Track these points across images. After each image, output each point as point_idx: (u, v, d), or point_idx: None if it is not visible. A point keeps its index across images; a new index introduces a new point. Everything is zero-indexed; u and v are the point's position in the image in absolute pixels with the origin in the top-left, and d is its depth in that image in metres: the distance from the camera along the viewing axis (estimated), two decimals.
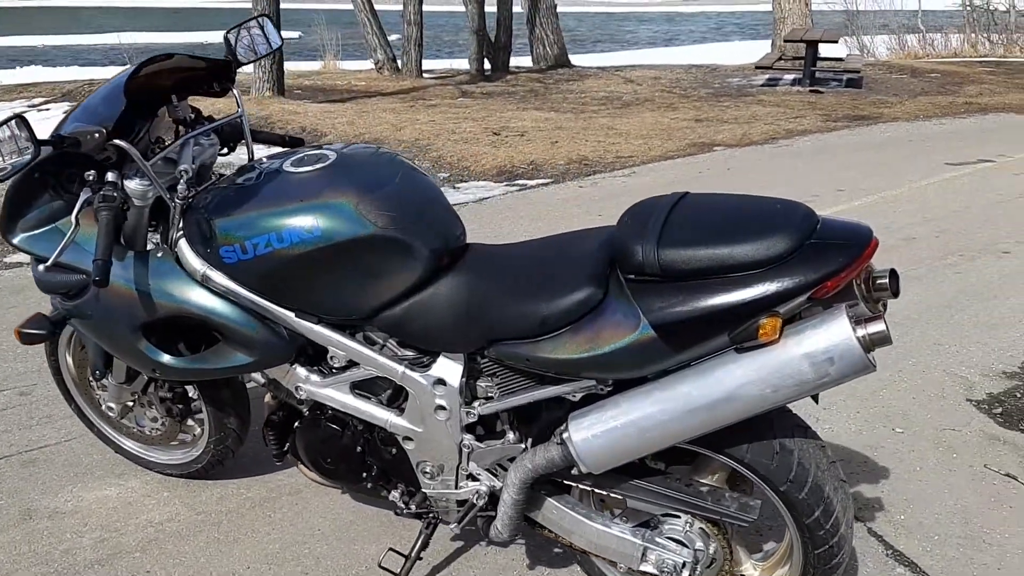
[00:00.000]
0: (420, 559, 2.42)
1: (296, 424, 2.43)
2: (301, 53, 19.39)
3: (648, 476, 2.14)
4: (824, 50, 12.92)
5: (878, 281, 1.89)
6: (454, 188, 7.06)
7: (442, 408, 2.18)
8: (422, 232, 2.10)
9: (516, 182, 7.20)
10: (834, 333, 1.78)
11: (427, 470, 2.29)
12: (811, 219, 1.86)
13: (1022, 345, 4.11)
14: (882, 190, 6.70)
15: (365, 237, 2.05)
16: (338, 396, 2.29)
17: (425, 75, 13.77)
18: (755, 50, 14.91)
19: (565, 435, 2.02)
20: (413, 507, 2.37)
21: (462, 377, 2.14)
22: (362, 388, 2.30)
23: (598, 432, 1.97)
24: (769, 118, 9.90)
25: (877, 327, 1.78)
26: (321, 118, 9.57)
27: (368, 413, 2.28)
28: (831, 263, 1.78)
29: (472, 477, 2.27)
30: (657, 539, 2.15)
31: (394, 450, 2.33)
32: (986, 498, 2.96)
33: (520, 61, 15.67)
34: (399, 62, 13.87)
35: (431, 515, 2.39)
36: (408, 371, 2.18)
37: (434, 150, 8.24)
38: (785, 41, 13.77)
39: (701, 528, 2.14)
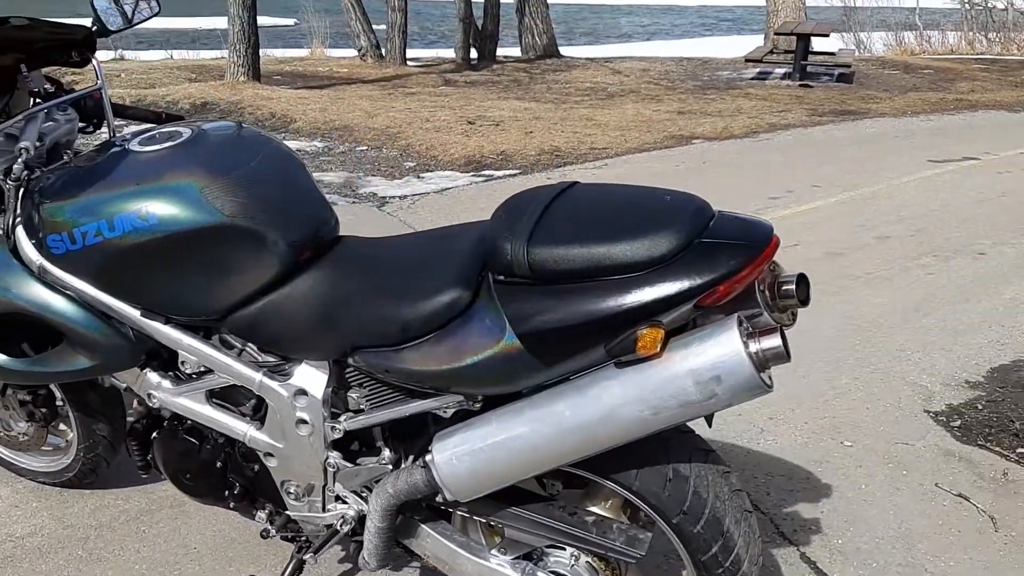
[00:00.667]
0: None
1: (154, 434, 2.19)
2: (291, 39, 19.11)
3: (530, 503, 1.90)
4: (816, 44, 12.65)
5: (784, 287, 1.65)
6: (418, 177, 6.81)
7: (304, 422, 1.93)
8: (280, 222, 1.85)
9: (483, 172, 6.94)
10: (722, 348, 1.54)
11: (291, 490, 2.05)
12: (703, 214, 1.61)
13: (989, 353, 3.86)
14: (860, 187, 6.45)
15: (211, 226, 1.79)
16: (193, 406, 2.04)
17: (410, 63, 13.49)
18: (752, 44, 14.62)
19: (428, 457, 1.77)
20: (277, 531, 2.13)
21: (327, 387, 1.89)
22: (220, 397, 2.05)
23: (463, 454, 1.73)
24: (754, 111, 9.64)
25: (771, 342, 1.53)
26: (294, 104, 9.31)
27: (225, 426, 2.03)
28: (721, 265, 1.53)
29: (340, 499, 2.03)
30: (539, 574, 1.90)
31: (256, 467, 2.09)
32: (933, 521, 2.72)
33: (509, 51, 15.40)
34: (383, 49, 13.59)
35: (303, 539, 2.15)
36: (266, 380, 1.93)
37: (404, 138, 7.98)
38: (776, 34, 13.49)
39: (588, 562, 1.89)
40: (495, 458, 1.70)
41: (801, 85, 11.59)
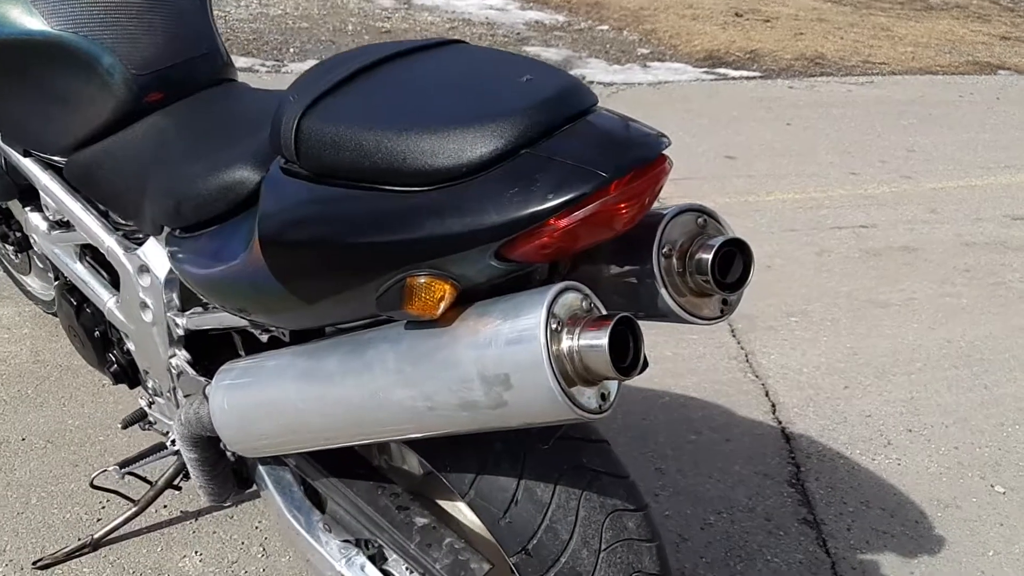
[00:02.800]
0: (174, 488, 1.84)
1: (55, 282, 1.92)
2: None
3: (362, 478, 1.41)
4: None
5: (697, 256, 0.99)
6: (643, 67, 6.10)
7: (146, 306, 1.55)
8: (125, 47, 1.43)
9: (717, 70, 6.09)
10: (520, 332, 0.93)
11: (149, 384, 1.70)
12: (558, 109, 0.97)
13: None
14: None
15: (36, 39, 1.42)
16: (65, 260, 1.73)
17: None
18: None
19: (208, 389, 1.32)
20: (143, 427, 1.80)
21: (170, 271, 1.48)
22: (93, 258, 1.72)
23: (234, 398, 1.26)
24: None
25: (592, 339, 0.90)
26: None
27: (92, 291, 1.70)
28: (543, 194, 0.91)
29: None
30: (364, 569, 1.42)
31: (125, 346, 1.75)
32: None
33: None
34: None
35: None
36: (115, 246, 1.56)
37: (652, 22, 7.22)
38: None
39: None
40: (260, 415, 1.22)
41: None
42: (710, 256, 0.98)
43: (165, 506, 1.96)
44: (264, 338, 1.34)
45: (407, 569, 1.36)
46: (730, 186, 4.24)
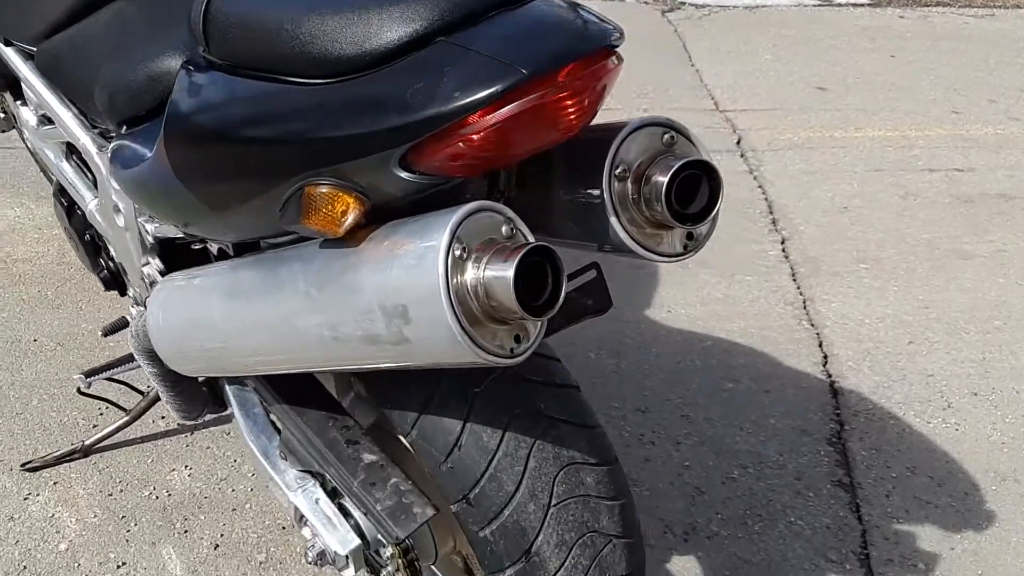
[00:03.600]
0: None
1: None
2: None
3: (317, 407, 1.31)
4: None
5: (653, 179, 0.84)
6: None
7: (119, 210, 1.47)
8: None
9: None
10: (420, 257, 0.79)
11: (130, 291, 1.63)
12: None
13: None
14: None
15: None
16: (52, 156, 1.66)
17: None
18: None
19: (149, 299, 1.24)
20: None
21: None
22: (79, 156, 1.65)
23: (168, 312, 1.17)
24: None
25: (497, 269, 0.76)
26: None
27: (77, 192, 1.63)
28: (452, 91, 0.76)
29: None
30: (319, 503, 1.33)
31: (111, 251, 1.69)
32: None
33: None
34: None
35: None
36: (90, 143, 1.47)
37: None
38: None
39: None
40: (189, 330, 1.13)
41: None
42: (666, 179, 0.82)
43: (163, 418, 1.93)
44: (214, 248, 1.24)
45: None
46: (816, 119, 3.94)
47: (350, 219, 0.83)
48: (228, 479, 1.80)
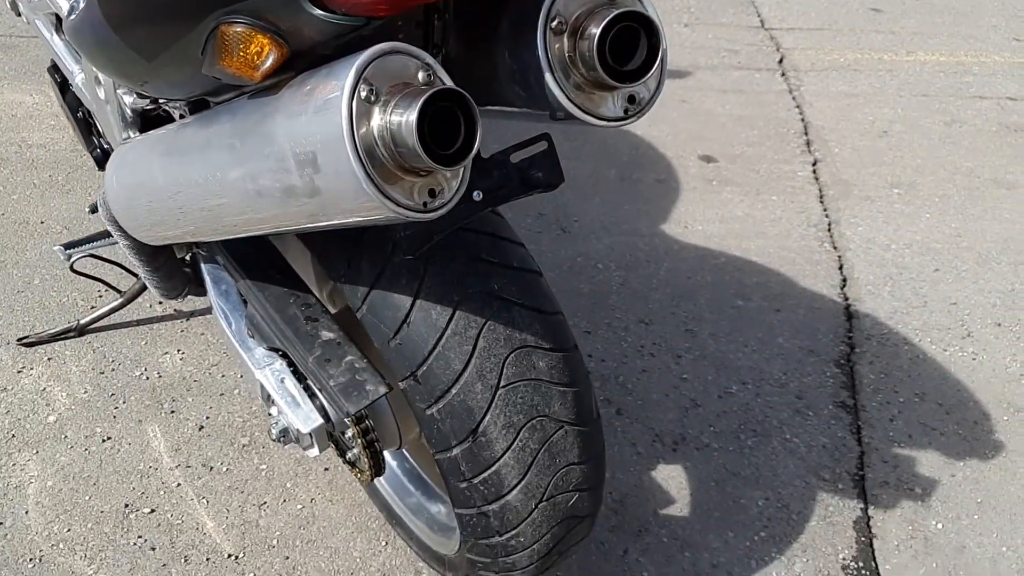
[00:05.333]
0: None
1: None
2: None
3: (281, 283, 1.29)
4: None
5: (587, 31, 0.78)
6: None
7: (99, 82, 1.45)
8: None
9: None
10: (326, 99, 0.75)
11: None
12: None
13: None
14: None
15: None
16: (43, 30, 1.64)
17: None
18: None
19: (107, 165, 1.22)
20: None
21: None
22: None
23: (122, 173, 1.15)
24: None
25: (401, 113, 0.71)
26: None
27: (65, 66, 1.62)
28: None
29: None
30: (284, 382, 1.32)
31: (101, 129, 1.68)
32: None
33: None
34: None
35: None
36: (64, 3, 1.45)
37: None
38: None
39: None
40: (136, 193, 1.11)
41: None
42: (599, 31, 0.76)
43: (160, 303, 1.94)
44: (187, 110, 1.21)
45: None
46: (866, 41, 3.77)
47: (267, 63, 0.79)
48: (219, 365, 1.80)
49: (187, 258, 1.49)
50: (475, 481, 1.07)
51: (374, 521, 1.55)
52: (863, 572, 1.57)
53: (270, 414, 1.31)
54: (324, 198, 0.76)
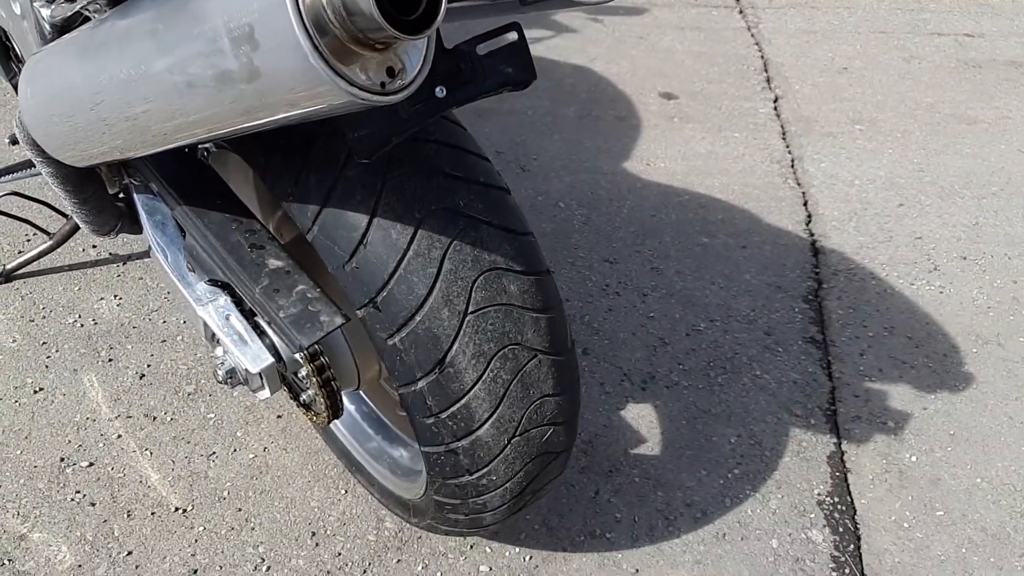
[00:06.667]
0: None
1: None
2: None
3: (231, 210, 1.18)
4: None
5: None
6: None
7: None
8: None
9: None
10: None
11: None
12: None
13: None
14: None
15: None
16: None
17: None
18: None
19: (19, 79, 1.09)
20: None
21: None
22: None
23: (37, 85, 1.02)
24: None
25: None
26: None
27: None
28: None
29: None
30: (230, 319, 1.21)
31: (17, 48, 1.53)
32: None
33: None
34: None
35: None
36: None
37: None
38: None
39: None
40: (55, 103, 0.99)
41: None
42: None
43: (94, 246, 1.81)
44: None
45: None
46: None
47: None
48: (160, 310, 1.69)
49: (120, 193, 1.37)
50: (443, 416, 0.98)
51: (331, 469, 1.46)
52: (839, 507, 1.53)
53: (215, 355, 1.21)
54: (264, 82, 0.66)
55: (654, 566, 1.40)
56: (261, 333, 1.14)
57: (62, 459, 1.41)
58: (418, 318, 0.94)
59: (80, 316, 1.65)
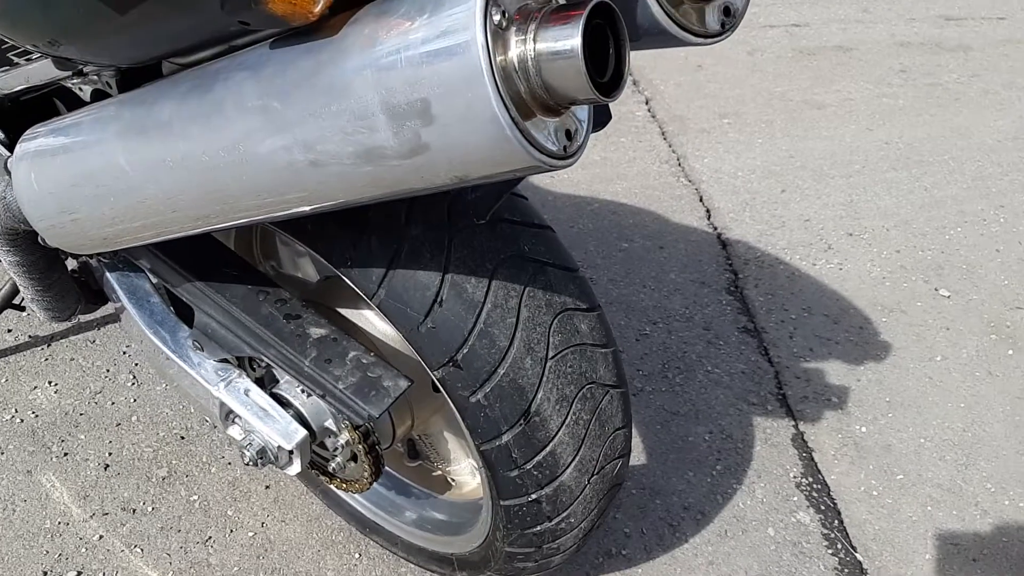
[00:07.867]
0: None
1: None
2: None
3: (246, 281, 1.10)
4: None
5: None
6: None
7: None
8: None
9: None
10: (444, 32, 0.61)
11: None
12: None
13: None
14: None
15: None
16: None
17: None
18: None
19: (10, 162, 0.97)
20: None
21: None
22: None
23: (44, 170, 0.92)
24: None
25: (556, 39, 0.59)
26: None
27: None
28: None
29: None
30: (250, 395, 1.13)
31: None
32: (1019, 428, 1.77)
33: None
34: None
35: None
36: None
37: None
38: None
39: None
40: (79, 187, 0.89)
41: None
42: None
43: (8, 331, 1.63)
44: (88, 94, 0.98)
45: (303, 391, 1.07)
46: None
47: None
48: (104, 392, 1.55)
49: (76, 270, 1.25)
50: (528, 466, 0.97)
51: (338, 534, 1.40)
52: (815, 486, 1.62)
53: (230, 435, 1.13)
54: (430, 156, 0.63)
55: (673, 575, 1.43)
56: (284, 404, 1.08)
57: (45, 573, 1.27)
58: (501, 371, 0.92)
59: (17, 411, 1.49)
